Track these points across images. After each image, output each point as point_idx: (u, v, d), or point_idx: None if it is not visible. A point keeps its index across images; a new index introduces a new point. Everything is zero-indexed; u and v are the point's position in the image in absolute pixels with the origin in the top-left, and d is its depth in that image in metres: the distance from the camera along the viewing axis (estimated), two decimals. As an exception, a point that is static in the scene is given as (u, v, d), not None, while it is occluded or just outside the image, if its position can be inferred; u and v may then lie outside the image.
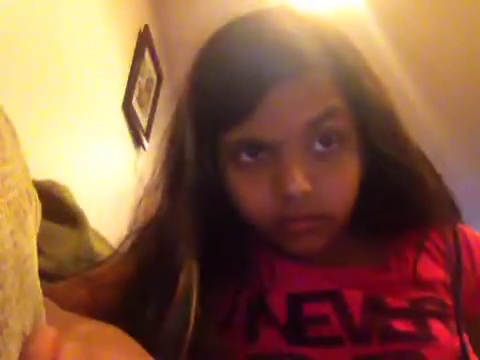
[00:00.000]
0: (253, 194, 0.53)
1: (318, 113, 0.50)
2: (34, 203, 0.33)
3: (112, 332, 0.41)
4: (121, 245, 0.61)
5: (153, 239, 0.56)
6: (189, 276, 0.50)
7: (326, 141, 0.52)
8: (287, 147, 0.51)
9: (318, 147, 0.52)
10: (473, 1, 2.04)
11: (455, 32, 2.10)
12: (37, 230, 0.34)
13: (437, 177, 0.60)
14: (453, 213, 0.62)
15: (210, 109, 0.53)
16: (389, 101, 0.57)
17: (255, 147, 0.52)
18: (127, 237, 0.61)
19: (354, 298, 0.53)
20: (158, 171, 0.58)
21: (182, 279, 0.49)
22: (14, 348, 0.28)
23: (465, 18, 2.06)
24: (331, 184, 0.52)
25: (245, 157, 0.52)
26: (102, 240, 0.85)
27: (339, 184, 0.53)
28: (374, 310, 0.52)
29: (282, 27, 0.52)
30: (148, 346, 0.42)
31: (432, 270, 0.58)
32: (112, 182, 1.61)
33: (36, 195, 0.34)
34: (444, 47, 2.14)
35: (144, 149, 1.93)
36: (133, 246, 0.60)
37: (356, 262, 0.58)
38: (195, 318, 0.48)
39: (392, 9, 2.00)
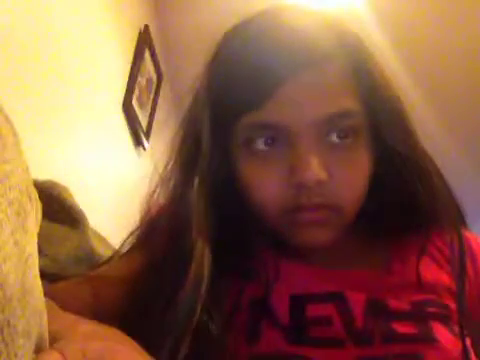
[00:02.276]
0: (266, 182, 0.53)
1: (335, 110, 0.51)
2: (34, 203, 0.33)
3: (112, 333, 0.41)
4: (128, 237, 0.62)
5: (164, 228, 0.56)
6: (201, 262, 0.50)
7: (341, 134, 0.52)
8: (303, 135, 0.51)
9: (333, 139, 0.52)
10: (473, 1, 2.04)
11: (455, 32, 2.10)
12: (37, 230, 0.34)
13: (443, 179, 0.60)
14: (458, 217, 0.62)
15: (230, 94, 0.53)
16: (399, 98, 0.58)
17: (271, 133, 0.52)
18: (136, 229, 0.61)
19: (357, 300, 0.53)
20: (172, 161, 0.58)
21: (193, 266, 0.49)
22: (18, 348, 0.28)
23: (465, 18, 2.06)
24: (344, 176, 0.52)
25: (260, 145, 0.53)
26: (102, 240, 0.85)
27: (352, 176, 0.53)
28: (376, 312, 0.52)
29: (301, 21, 0.54)
30: (153, 341, 0.43)
31: (435, 274, 0.58)
32: (112, 182, 1.61)
33: (36, 195, 0.35)
34: (444, 47, 2.14)
35: (144, 149, 1.93)
36: (139, 242, 0.60)
37: (359, 264, 0.58)
38: (203, 306, 0.48)
39: (392, 9, 2.00)
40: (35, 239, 0.32)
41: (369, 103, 0.54)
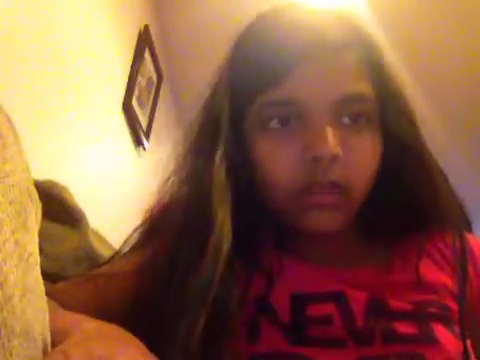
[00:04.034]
0: (281, 159, 0.54)
1: (350, 90, 0.54)
2: (35, 202, 0.33)
3: (117, 332, 0.41)
4: (130, 237, 0.63)
5: (180, 211, 0.57)
6: (221, 232, 0.52)
7: (353, 118, 0.54)
8: (319, 113, 0.53)
9: (346, 122, 0.54)
10: (472, 1, 2.04)
11: (455, 31, 2.10)
12: (38, 229, 0.34)
13: (446, 180, 0.61)
14: (461, 219, 0.63)
15: (251, 75, 0.56)
16: (405, 91, 0.60)
17: (286, 112, 0.54)
18: (138, 228, 0.62)
19: (358, 299, 0.53)
20: (189, 145, 0.60)
21: (214, 235, 0.51)
22: (13, 347, 0.28)
23: (465, 18, 2.06)
24: (356, 157, 0.54)
25: (275, 124, 0.54)
26: (102, 240, 0.85)
27: (363, 159, 0.55)
28: (377, 312, 0.52)
29: (319, 12, 0.58)
30: (169, 319, 0.45)
31: (436, 276, 0.58)
32: (112, 182, 1.61)
33: (36, 194, 0.35)
34: (444, 47, 2.14)
35: (144, 149, 1.93)
36: (142, 240, 0.61)
37: (360, 264, 0.59)
38: (221, 278, 0.50)
39: (392, 9, 2.00)
40: (36, 238, 0.33)
41: (379, 94, 0.56)
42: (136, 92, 1.81)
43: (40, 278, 0.33)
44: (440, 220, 0.60)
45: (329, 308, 0.52)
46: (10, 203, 0.28)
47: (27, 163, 0.33)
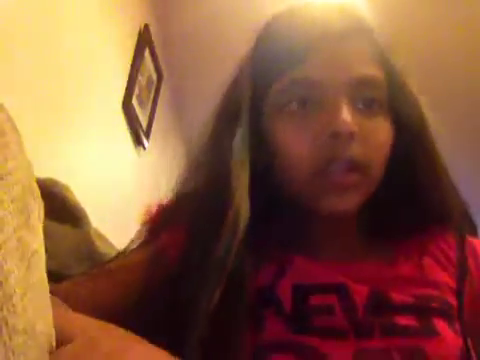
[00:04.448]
0: (300, 140, 0.56)
1: (366, 73, 0.57)
2: (37, 200, 0.33)
3: (123, 332, 0.42)
4: (137, 235, 0.64)
5: (200, 191, 0.60)
6: (238, 210, 0.54)
7: (368, 103, 0.57)
8: (336, 92, 0.55)
9: (360, 106, 0.56)
10: (472, 1, 2.04)
11: (455, 31, 2.11)
12: (41, 226, 0.34)
13: (451, 181, 0.62)
14: (464, 219, 0.63)
15: (271, 59, 0.59)
16: (412, 83, 0.63)
17: (305, 93, 0.57)
18: (145, 226, 0.64)
19: (359, 292, 0.54)
20: (210, 128, 0.63)
21: (231, 214, 0.53)
22: (16, 346, 0.28)
23: (465, 18, 2.06)
24: (370, 139, 0.56)
25: (294, 106, 0.57)
26: (103, 239, 0.85)
27: (377, 141, 0.57)
28: (378, 305, 0.53)
29: (336, 5, 0.62)
30: (185, 301, 0.49)
31: (439, 275, 0.58)
32: (112, 181, 1.62)
33: (38, 192, 0.35)
34: (443, 46, 2.15)
35: (144, 148, 1.93)
36: (150, 236, 0.62)
37: (363, 258, 0.60)
38: (237, 252, 0.52)
39: (391, 8, 2.00)
40: (40, 236, 0.32)
41: (388, 82, 0.59)
42: (136, 91, 1.81)
43: (44, 276, 0.33)
44: (443, 220, 0.61)
45: (331, 299, 0.53)
46: (12, 201, 0.28)
47: (29, 161, 0.33)
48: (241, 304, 0.52)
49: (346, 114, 0.54)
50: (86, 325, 0.40)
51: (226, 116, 0.62)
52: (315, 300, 0.53)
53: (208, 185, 0.59)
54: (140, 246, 0.63)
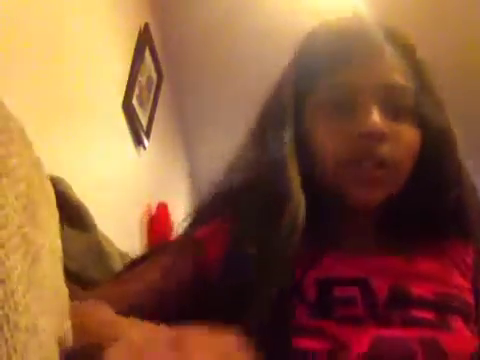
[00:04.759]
0: (335, 137, 0.62)
1: (398, 81, 0.63)
2: (46, 194, 0.33)
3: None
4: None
5: (253, 186, 0.65)
6: (298, 200, 0.60)
7: (397, 110, 0.62)
8: (368, 96, 0.61)
9: (390, 112, 0.62)
10: (472, 1, 2.04)
11: (455, 31, 2.11)
12: (56, 221, 0.34)
13: (475, 194, 0.67)
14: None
15: (315, 64, 0.66)
16: (440, 92, 0.68)
17: (343, 95, 0.63)
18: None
19: (381, 286, 0.58)
20: (255, 130, 0.70)
21: (291, 206, 0.59)
22: (18, 343, 0.28)
23: (465, 17, 2.07)
24: (400, 142, 0.61)
25: (331, 109, 0.63)
26: (105, 237, 0.85)
27: (406, 144, 0.62)
28: (399, 298, 0.57)
29: (375, 23, 0.69)
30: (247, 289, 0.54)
31: (457, 278, 0.62)
32: (112, 181, 1.62)
33: (51, 188, 0.34)
34: (442, 45, 2.15)
35: (144, 148, 1.93)
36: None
37: (385, 254, 0.63)
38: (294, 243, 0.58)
39: (391, 8, 2.00)
40: (50, 231, 0.32)
41: (420, 95, 0.64)
42: (136, 91, 1.81)
43: (56, 271, 0.32)
44: (464, 231, 0.66)
45: (353, 291, 0.57)
46: (17, 198, 0.28)
47: (37, 157, 0.33)
48: (291, 292, 0.56)
49: (377, 116, 0.59)
50: (129, 330, 0.41)
51: (272, 117, 0.68)
52: (339, 291, 0.56)
53: (261, 180, 0.64)
54: (164, 249, 0.66)
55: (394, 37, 0.66)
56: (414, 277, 0.60)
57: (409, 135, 0.62)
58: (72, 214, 0.70)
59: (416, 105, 0.64)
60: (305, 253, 0.60)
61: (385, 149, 0.60)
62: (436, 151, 0.64)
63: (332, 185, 0.63)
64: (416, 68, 0.65)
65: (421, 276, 0.60)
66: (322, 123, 0.64)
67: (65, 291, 0.34)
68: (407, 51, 0.66)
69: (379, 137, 0.59)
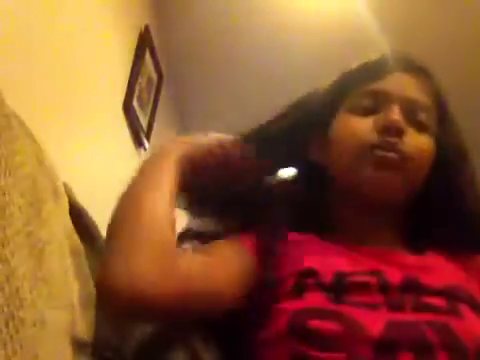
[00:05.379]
0: (359, 126, 0.68)
1: (421, 98, 0.70)
2: (55, 187, 0.33)
3: None
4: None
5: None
6: None
7: (418, 123, 0.68)
8: (395, 102, 0.68)
9: (411, 123, 0.68)
10: (473, 1, 2.04)
11: (455, 31, 2.11)
12: (64, 214, 0.34)
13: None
14: None
15: (354, 74, 0.75)
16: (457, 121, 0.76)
17: (373, 101, 0.70)
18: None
19: (394, 276, 0.61)
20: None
21: None
22: (24, 339, 0.28)
23: (465, 18, 2.07)
24: (417, 143, 0.67)
25: (360, 112, 0.70)
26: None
27: (422, 149, 0.67)
28: (411, 287, 0.60)
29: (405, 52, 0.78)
30: None
31: (465, 278, 0.65)
32: (112, 182, 1.61)
33: (59, 184, 0.34)
34: (443, 46, 2.15)
35: (145, 149, 1.93)
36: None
37: (398, 248, 0.69)
38: None
39: (392, 8, 2.00)
40: (56, 227, 0.32)
41: (439, 118, 0.71)
42: (136, 92, 1.81)
43: (59, 266, 0.33)
44: (470, 245, 0.70)
45: (368, 278, 0.60)
46: (21, 195, 0.28)
47: (44, 155, 0.33)
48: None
49: (397, 114, 0.66)
50: None
51: (304, 115, 0.75)
52: (354, 278, 0.60)
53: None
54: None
55: (425, 70, 0.74)
56: (426, 270, 0.64)
57: (426, 143, 0.68)
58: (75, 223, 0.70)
59: (436, 129, 0.70)
60: (323, 243, 0.67)
61: (402, 145, 0.65)
62: (449, 171, 0.70)
63: (349, 173, 0.69)
64: (439, 99, 0.73)
65: (432, 269, 0.65)
66: (349, 118, 0.70)
67: (73, 285, 0.34)
68: (434, 84, 0.74)
69: (397, 130, 0.65)
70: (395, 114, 0.66)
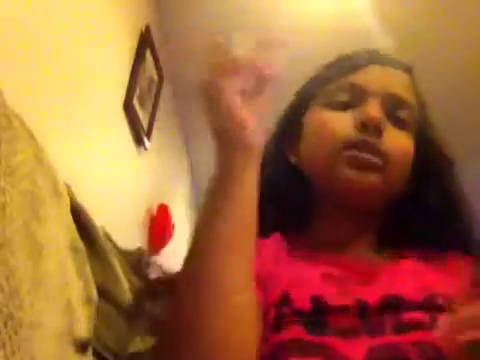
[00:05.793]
0: (335, 120, 0.64)
1: (402, 93, 0.66)
2: (55, 185, 0.33)
3: None
4: None
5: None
6: None
7: (398, 121, 0.64)
8: (373, 97, 0.64)
9: (391, 120, 0.64)
10: (473, 2, 2.04)
11: (456, 32, 2.11)
12: (65, 214, 0.34)
13: (468, 209, 0.69)
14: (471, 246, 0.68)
15: (334, 65, 0.71)
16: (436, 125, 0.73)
17: (351, 95, 0.65)
18: None
19: (372, 294, 0.57)
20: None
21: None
22: (22, 340, 0.28)
23: (466, 18, 2.06)
24: (396, 142, 0.63)
25: (338, 106, 0.65)
26: (110, 237, 0.85)
27: (401, 145, 0.64)
28: (389, 304, 0.56)
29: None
30: None
31: (445, 280, 0.62)
32: (113, 182, 1.62)
33: (61, 184, 0.34)
34: (443, 46, 2.15)
35: (145, 149, 1.93)
36: None
37: (372, 254, 0.66)
38: None
39: (394, 9, 2.00)
40: (56, 227, 0.32)
41: (420, 119, 0.68)
42: (137, 92, 1.81)
43: (57, 267, 0.32)
44: (461, 250, 0.67)
45: (346, 301, 0.56)
46: (21, 194, 0.28)
47: (44, 155, 0.33)
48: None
49: (376, 110, 0.62)
50: None
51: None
52: (332, 302, 0.56)
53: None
54: None
55: (408, 68, 0.70)
56: (401, 277, 0.60)
57: (405, 142, 0.64)
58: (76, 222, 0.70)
59: (417, 127, 0.66)
60: (299, 254, 0.62)
61: (381, 145, 0.61)
62: (434, 171, 0.68)
63: (324, 171, 0.64)
64: (419, 98, 0.69)
65: (408, 275, 0.61)
66: (322, 113, 0.66)
67: (71, 286, 0.34)
68: (416, 83, 0.70)
69: (375, 126, 0.61)
70: (374, 110, 0.62)
